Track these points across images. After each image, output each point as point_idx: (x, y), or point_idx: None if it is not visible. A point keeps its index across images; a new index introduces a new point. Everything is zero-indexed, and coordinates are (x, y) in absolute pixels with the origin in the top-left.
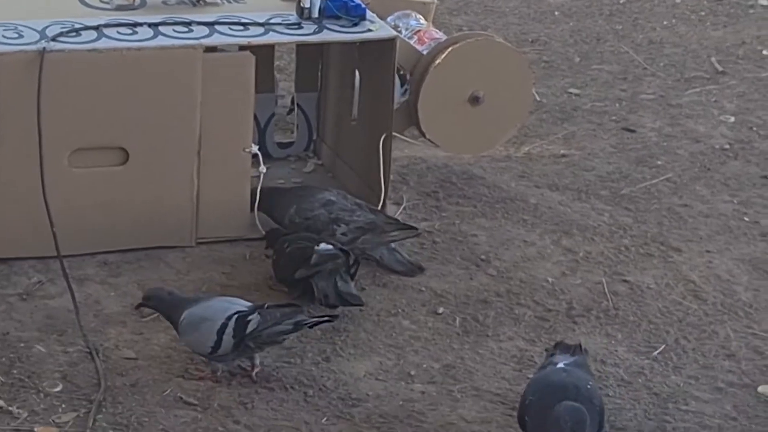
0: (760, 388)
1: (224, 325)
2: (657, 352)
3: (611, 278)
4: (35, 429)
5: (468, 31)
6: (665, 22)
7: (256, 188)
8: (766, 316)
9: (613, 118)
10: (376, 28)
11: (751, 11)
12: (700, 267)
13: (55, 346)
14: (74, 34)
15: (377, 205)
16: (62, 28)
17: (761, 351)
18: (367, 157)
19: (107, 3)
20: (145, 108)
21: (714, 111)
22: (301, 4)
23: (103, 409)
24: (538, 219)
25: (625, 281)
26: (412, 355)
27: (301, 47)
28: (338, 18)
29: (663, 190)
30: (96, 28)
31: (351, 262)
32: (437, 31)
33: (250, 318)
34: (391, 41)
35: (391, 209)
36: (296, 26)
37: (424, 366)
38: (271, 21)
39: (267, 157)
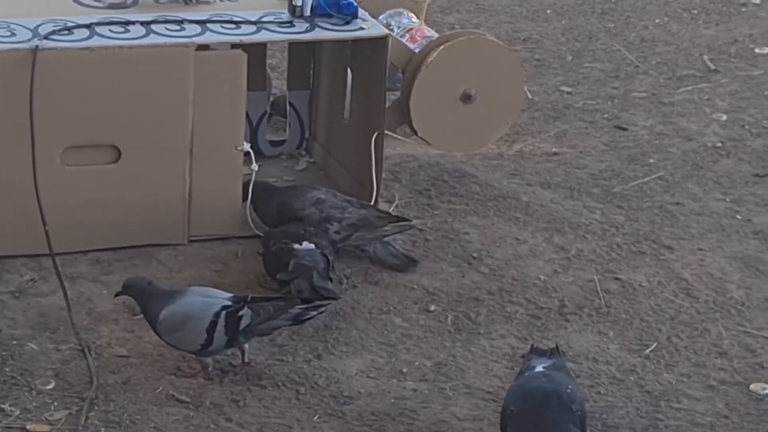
0: (752, 386)
1: (214, 323)
2: (649, 350)
3: (603, 276)
4: (27, 426)
5: (460, 29)
6: (657, 20)
7: (248, 185)
8: (758, 314)
9: (605, 116)
10: (368, 26)
11: (744, 9)
12: (692, 265)
13: (48, 344)
14: (67, 32)
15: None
16: (55, 26)
17: (753, 349)
18: (359, 156)
19: (99, 1)
20: (137, 106)
21: (706, 109)
22: (293, 3)
23: (96, 407)
24: (530, 217)
25: (617, 279)
26: (403, 352)
27: (293, 45)
28: (330, 16)
29: (655, 188)
30: (88, 26)
31: (329, 261)
32: (429, 29)
33: (241, 314)
34: (383, 39)
35: (383, 207)
36: (288, 24)
37: (416, 364)
38: (263, 19)
39: (259, 155)
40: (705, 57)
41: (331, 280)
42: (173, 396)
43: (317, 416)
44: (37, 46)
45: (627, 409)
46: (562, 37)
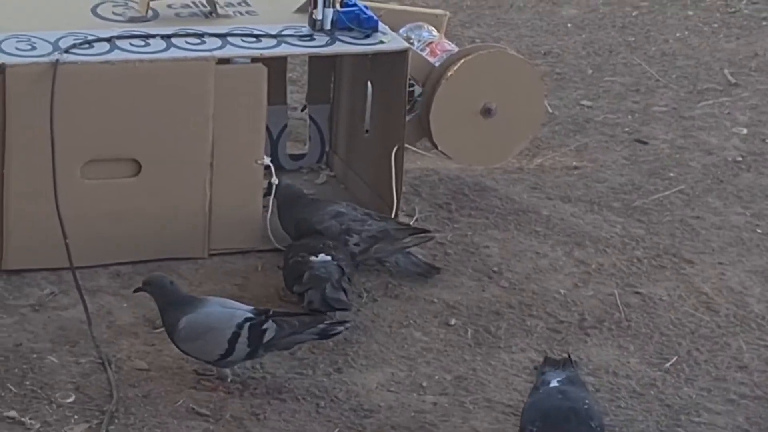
0: None
1: (236, 334)
2: (669, 363)
3: (623, 290)
4: None
5: (480, 43)
6: (678, 34)
7: (269, 198)
8: None
9: (626, 130)
10: (389, 39)
11: (764, 23)
12: (713, 279)
13: (68, 357)
14: (87, 45)
15: None
16: (75, 39)
17: None
18: (379, 169)
19: (120, 15)
20: (157, 120)
21: (726, 123)
22: (314, 16)
23: (116, 420)
24: (551, 231)
25: (637, 293)
26: (424, 366)
27: (313, 59)
28: (350, 30)
29: (675, 202)
30: (109, 39)
31: (344, 273)
32: (449, 42)
33: (265, 327)
34: (404, 53)
35: (403, 221)
36: (308, 38)
37: (436, 377)
38: (284, 33)
39: (279, 168)
40: (725, 71)
41: (345, 291)
42: (193, 409)
43: (337, 430)
44: (57, 60)
45: (647, 423)
46: (582, 51)
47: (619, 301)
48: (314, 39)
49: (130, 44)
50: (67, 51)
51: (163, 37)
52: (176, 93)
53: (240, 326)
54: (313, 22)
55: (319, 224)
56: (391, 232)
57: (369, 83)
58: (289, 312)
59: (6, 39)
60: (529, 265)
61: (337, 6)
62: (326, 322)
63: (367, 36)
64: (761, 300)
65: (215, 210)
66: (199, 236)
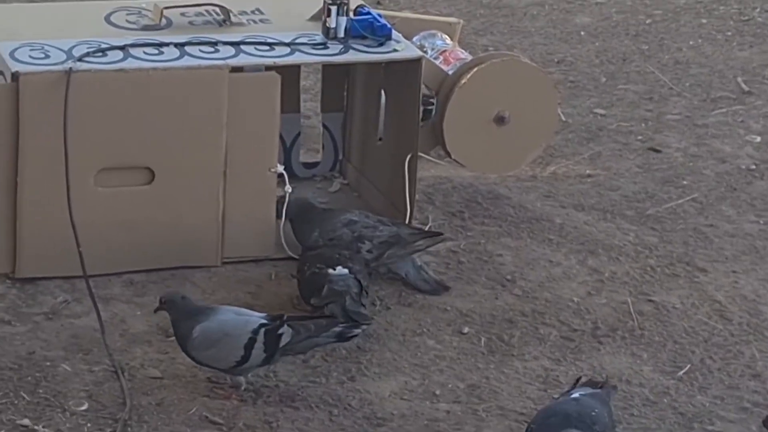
0: None
1: (252, 340)
2: (682, 372)
3: (637, 298)
4: None
5: (494, 51)
6: (691, 42)
7: (282, 206)
8: None
9: (639, 138)
10: (402, 48)
11: None
12: (726, 287)
13: (81, 365)
14: (100, 54)
15: None
16: (88, 47)
17: None
18: (392, 177)
19: (133, 23)
20: (170, 128)
21: (740, 131)
22: (327, 24)
23: (129, 429)
24: (564, 239)
25: (650, 301)
26: (437, 374)
27: (326, 67)
28: (364, 38)
29: (689, 210)
30: (122, 48)
31: (362, 286)
32: (463, 51)
33: (281, 331)
34: (417, 61)
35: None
36: (322, 46)
37: (449, 385)
38: (297, 41)
39: (292, 176)
40: (739, 79)
41: (364, 305)
42: (206, 417)
43: None
44: (71, 68)
45: (660, 431)
46: (596, 59)
47: (632, 309)
48: (328, 47)
49: (144, 52)
50: (80, 59)
51: (176, 45)
52: (190, 101)
53: (255, 332)
54: (326, 31)
55: (332, 232)
56: (403, 236)
57: (382, 91)
58: (304, 316)
59: (19, 47)
60: (543, 273)
61: (351, 14)
62: (342, 324)
63: (381, 44)
64: None
65: (228, 218)
66: (213, 244)
